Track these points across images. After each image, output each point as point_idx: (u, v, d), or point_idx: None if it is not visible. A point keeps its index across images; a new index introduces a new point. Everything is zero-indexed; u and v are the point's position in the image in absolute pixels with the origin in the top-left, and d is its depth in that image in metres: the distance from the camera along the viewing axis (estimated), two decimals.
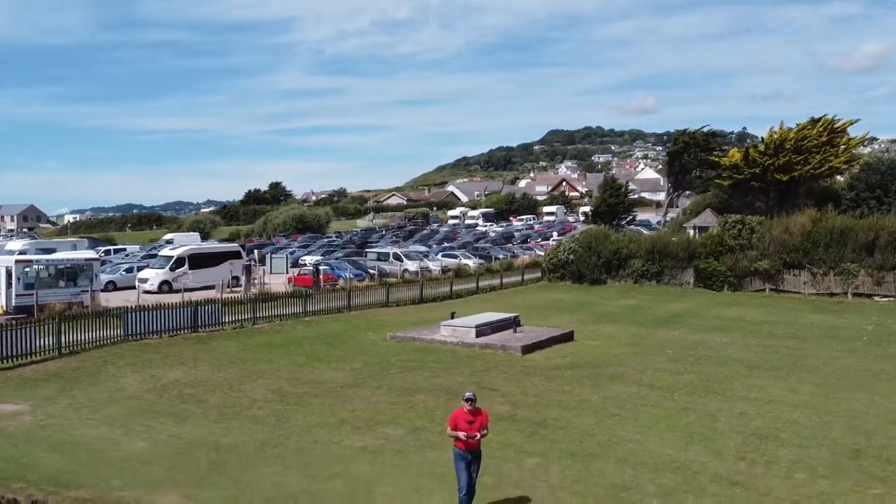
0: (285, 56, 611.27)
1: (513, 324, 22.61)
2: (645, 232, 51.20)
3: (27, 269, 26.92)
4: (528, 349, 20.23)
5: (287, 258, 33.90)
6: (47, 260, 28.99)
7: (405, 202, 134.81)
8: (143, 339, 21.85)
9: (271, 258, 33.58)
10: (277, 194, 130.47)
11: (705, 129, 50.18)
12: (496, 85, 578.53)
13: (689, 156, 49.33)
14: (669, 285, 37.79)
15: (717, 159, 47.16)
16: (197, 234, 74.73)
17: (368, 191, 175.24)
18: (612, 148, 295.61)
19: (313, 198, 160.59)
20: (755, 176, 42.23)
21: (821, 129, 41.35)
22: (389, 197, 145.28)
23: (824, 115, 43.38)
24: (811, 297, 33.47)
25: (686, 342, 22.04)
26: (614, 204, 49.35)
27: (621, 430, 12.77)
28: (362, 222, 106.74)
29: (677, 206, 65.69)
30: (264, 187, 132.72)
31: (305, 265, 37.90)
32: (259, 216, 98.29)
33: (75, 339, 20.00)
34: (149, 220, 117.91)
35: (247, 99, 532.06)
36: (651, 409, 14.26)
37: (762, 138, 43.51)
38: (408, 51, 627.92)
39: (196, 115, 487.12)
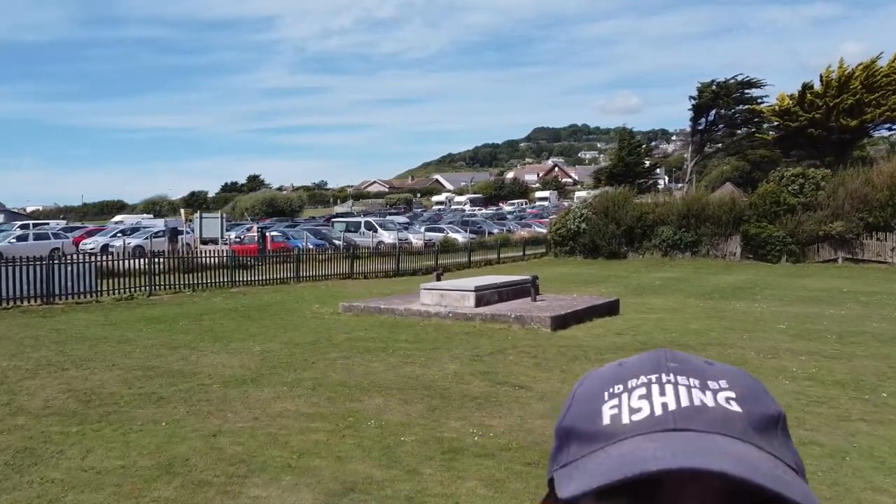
0: (268, 54, 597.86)
1: (531, 288, 14.95)
2: None
3: None
4: (559, 322, 12.58)
5: (223, 219, 25.96)
6: None
7: (387, 189, 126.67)
8: None
9: (201, 219, 25.64)
10: (255, 187, 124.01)
11: (739, 78, 41.85)
12: (481, 83, 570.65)
13: (720, 108, 41.13)
14: (709, 257, 30.35)
15: (758, 108, 39.38)
16: (150, 215, 69.28)
17: (350, 186, 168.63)
18: (599, 145, 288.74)
19: (291, 189, 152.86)
20: (813, 122, 34.55)
21: (895, 65, 33.83)
22: (370, 185, 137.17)
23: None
24: None
25: (791, 315, 14.50)
26: (633, 163, 41.46)
27: (861, 485, 5.12)
28: (340, 209, 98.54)
29: (690, 182, 58.24)
30: (243, 181, 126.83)
31: (251, 231, 30.08)
32: (228, 203, 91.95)
33: None
34: (111, 209, 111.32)
35: (230, 97, 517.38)
36: (870, 426, 6.65)
37: (820, 75, 35.81)
38: (392, 49, 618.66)
39: (178, 112, 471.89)
